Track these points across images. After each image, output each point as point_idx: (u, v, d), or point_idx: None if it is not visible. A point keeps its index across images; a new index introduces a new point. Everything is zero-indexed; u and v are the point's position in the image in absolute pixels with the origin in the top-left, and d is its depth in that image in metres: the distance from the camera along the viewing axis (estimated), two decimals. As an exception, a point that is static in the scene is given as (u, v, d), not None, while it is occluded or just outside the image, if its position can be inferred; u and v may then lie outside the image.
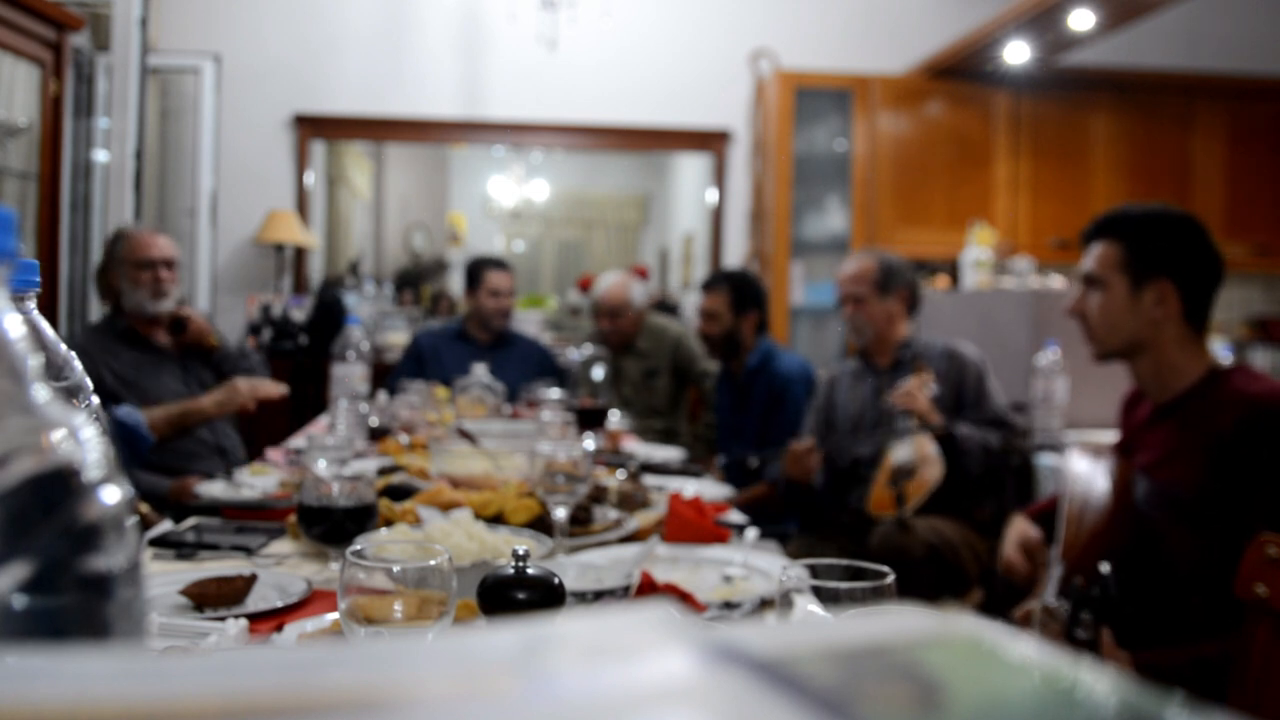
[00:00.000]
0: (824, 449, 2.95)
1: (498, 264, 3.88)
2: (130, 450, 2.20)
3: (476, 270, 3.85)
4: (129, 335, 2.84)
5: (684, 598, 1.22)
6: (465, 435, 2.21)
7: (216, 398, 2.67)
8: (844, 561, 0.84)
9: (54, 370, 0.63)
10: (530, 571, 0.97)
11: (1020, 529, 2.08)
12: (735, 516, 1.90)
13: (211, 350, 2.91)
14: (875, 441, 2.80)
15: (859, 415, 2.89)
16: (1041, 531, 2.05)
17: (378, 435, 2.61)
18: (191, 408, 2.65)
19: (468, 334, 3.86)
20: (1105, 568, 1.65)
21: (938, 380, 2.70)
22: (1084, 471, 1.94)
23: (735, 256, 5.35)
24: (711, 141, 5.33)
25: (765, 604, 1.29)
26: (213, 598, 1.23)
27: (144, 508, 1.97)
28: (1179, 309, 1.80)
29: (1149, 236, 1.83)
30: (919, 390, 2.61)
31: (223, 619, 1.12)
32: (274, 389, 2.72)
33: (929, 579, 2.47)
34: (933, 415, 2.61)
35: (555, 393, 2.96)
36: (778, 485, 3.02)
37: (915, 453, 2.55)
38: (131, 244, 2.83)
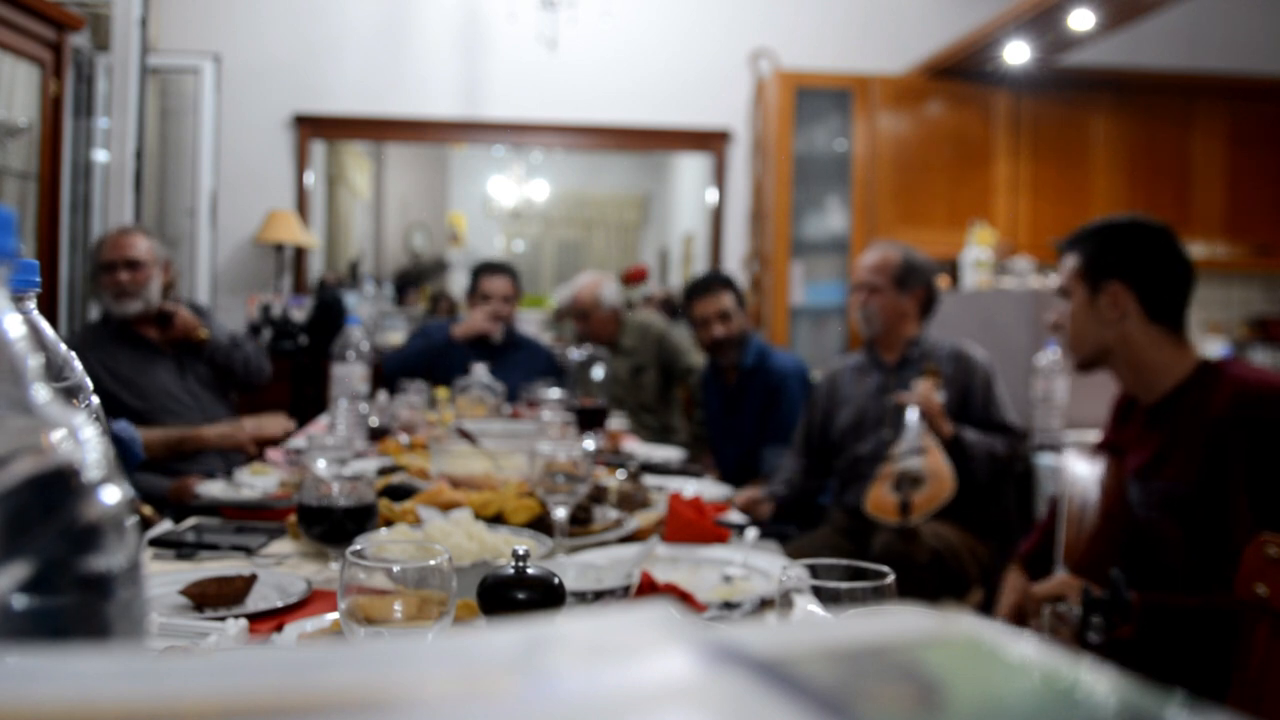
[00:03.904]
0: (823, 447, 2.94)
1: (495, 268, 3.79)
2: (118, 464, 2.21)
3: (475, 277, 3.79)
4: (122, 333, 2.85)
5: (684, 598, 1.22)
6: (465, 435, 2.21)
7: (220, 430, 2.69)
8: (844, 561, 0.84)
9: (54, 370, 0.63)
10: (530, 571, 0.97)
11: (1015, 591, 2.07)
12: (735, 516, 1.90)
13: (202, 343, 2.91)
14: (878, 439, 2.77)
15: (862, 411, 2.85)
16: (1031, 586, 2.06)
17: (378, 435, 2.61)
18: (191, 435, 2.67)
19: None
20: (1116, 573, 1.64)
21: (945, 382, 2.67)
22: (1084, 474, 1.95)
23: (735, 256, 5.35)
24: (711, 141, 5.33)
25: (765, 604, 1.29)
26: (213, 598, 1.23)
27: (145, 508, 1.97)
28: (1137, 309, 1.83)
29: (1100, 243, 1.89)
30: (932, 393, 2.58)
31: (223, 619, 1.12)
32: (277, 429, 2.72)
33: (932, 584, 2.46)
34: (943, 422, 2.58)
35: (555, 393, 2.96)
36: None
37: (926, 463, 2.51)
38: (101, 245, 2.84)
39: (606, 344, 3.91)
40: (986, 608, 2.56)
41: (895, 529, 2.50)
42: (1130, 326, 1.84)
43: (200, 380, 2.94)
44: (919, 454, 2.51)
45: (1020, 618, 2.00)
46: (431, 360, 3.73)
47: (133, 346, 2.85)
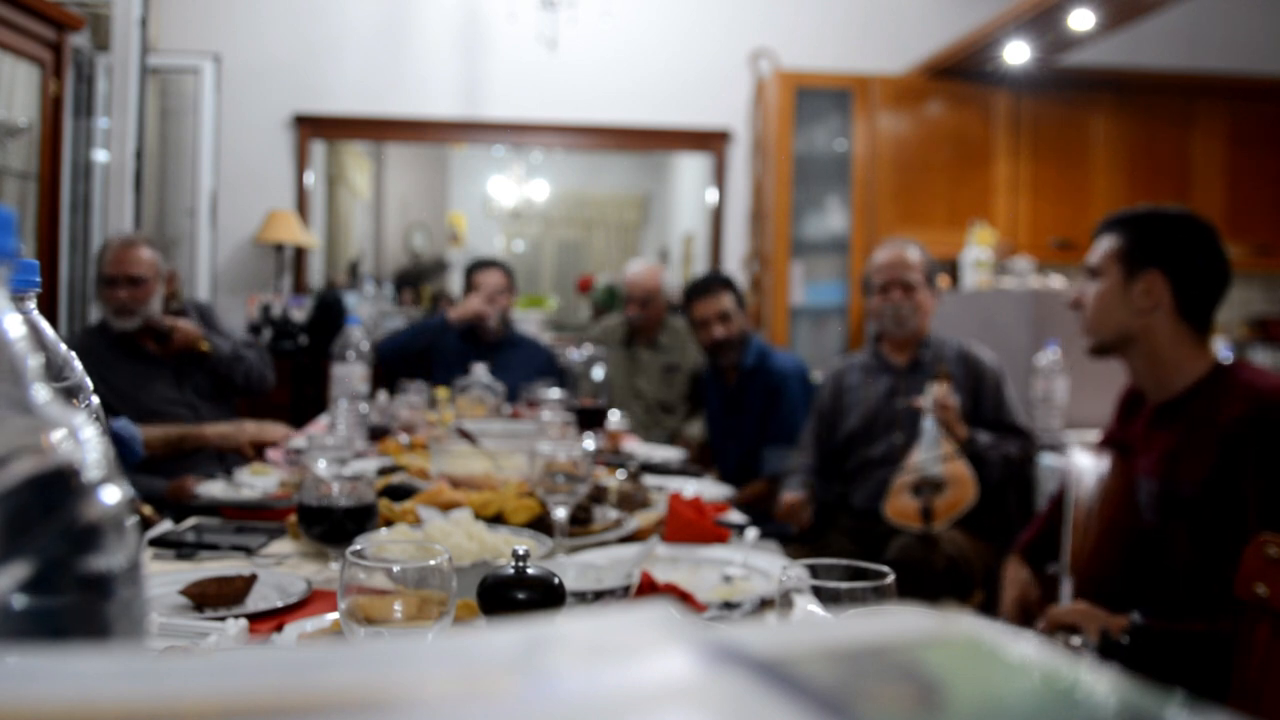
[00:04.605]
0: (830, 448, 2.92)
1: (489, 264, 3.88)
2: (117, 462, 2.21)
3: (469, 274, 3.88)
4: (122, 342, 2.82)
5: (684, 598, 1.22)
6: (465, 435, 2.21)
7: (221, 430, 2.66)
8: (844, 561, 0.84)
9: (54, 370, 0.64)
10: (530, 571, 0.97)
11: (1017, 584, 2.06)
12: (735, 516, 1.90)
13: (205, 356, 2.89)
14: (889, 443, 2.75)
15: (872, 414, 2.82)
16: (1036, 579, 2.05)
17: (378, 435, 2.60)
18: (191, 433, 2.65)
19: (472, 333, 3.85)
20: (1136, 617, 1.63)
21: (954, 385, 2.63)
22: (1089, 475, 1.94)
23: (735, 256, 5.35)
24: (711, 141, 5.33)
25: (765, 604, 1.29)
26: (213, 598, 1.23)
27: (145, 508, 1.97)
28: (1170, 303, 1.81)
29: (1146, 229, 1.85)
30: (948, 398, 2.53)
31: (223, 619, 1.12)
32: (278, 435, 2.71)
33: (948, 590, 2.45)
34: (959, 427, 2.56)
35: (555, 393, 2.96)
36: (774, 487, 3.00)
37: (947, 469, 2.48)
38: (104, 257, 2.80)
39: (645, 335, 3.93)
40: (988, 608, 2.56)
41: (917, 535, 2.48)
42: (1158, 319, 1.81)
43: (199, 390, 2.91)
44: (939, 459, 2.49)
45: (1025, 613, 2.00)
46: (427, 345, 3.78)
47: (130, 357, 2.82)
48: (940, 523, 2.46)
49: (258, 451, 2.67)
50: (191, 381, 2.90)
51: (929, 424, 2.52)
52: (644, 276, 3.92)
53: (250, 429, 2.68)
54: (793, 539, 2.80)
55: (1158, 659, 1.61)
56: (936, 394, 2.53)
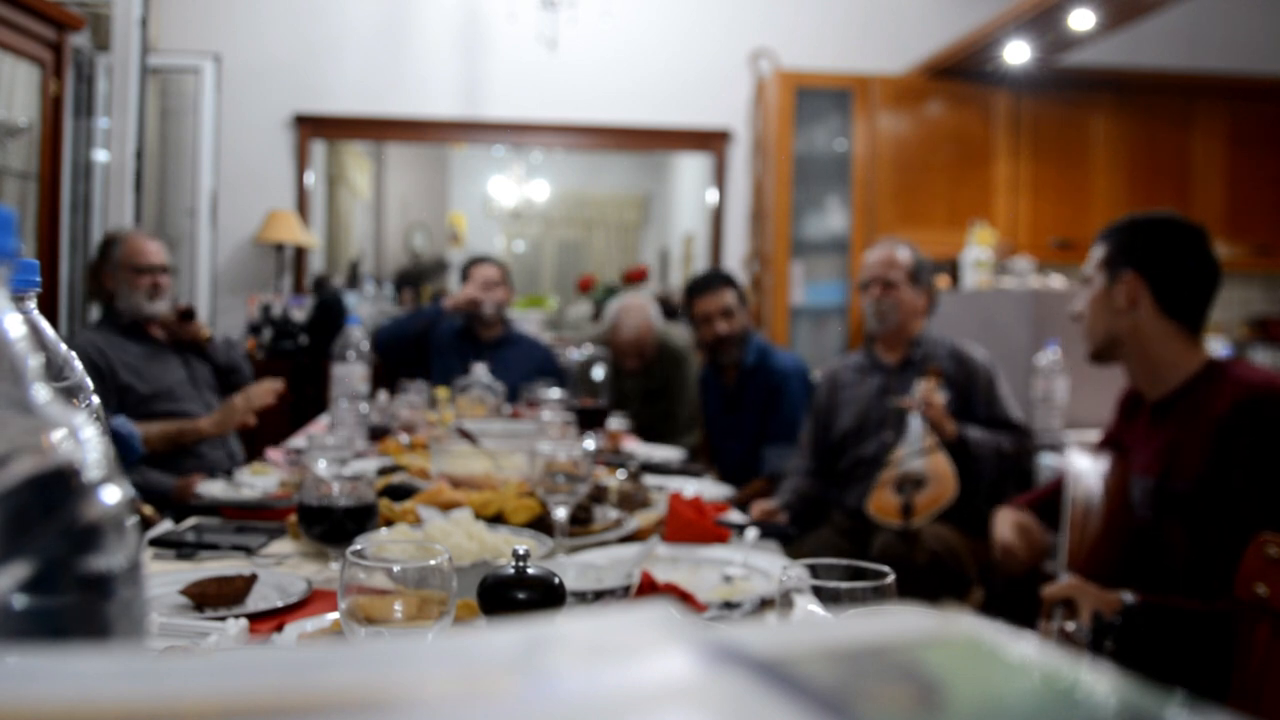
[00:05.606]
0: (824, 447, 2.93)
1: (483, 259, 3.95)
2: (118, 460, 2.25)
3: (466, 269, 3.93)
4: (131, 331, 2.92)
5: (684, 598, 1.22)
6: (465, 435, 2.21)
7: (214, 419, 2.76)
8: (844, 561, 0.84)
9: (54, 370, 0.63)
10: (530, 571, 0.97)
11: (1010, 516, 2.10)
12: (735, 516, 1.90)
13: (206, 342, 3.02)
14: (880, 441, 2.76)
15: (864, 413, 2.83)
16: (1034, 516, 2.08)
17: (378, 435, 2.61)
18: (188, 427, 2.74)
19: (470, 330, 3.85)
20: (1128, 597, 1.63)
21: (945, 382, 2.66)
22: (1086, 474, 1.95)
23: (735, 256, 5.35)
24: (711, 141, 5.33)
25: (765, 604, 1.29)
26: (213, 598, 1.23)
27: (145, 508, 1.97)
28: (1150, 301, 1.84)
29: (1126, 235, 1.89)
30: (933, 395, 2.56)
31: (223, 619, 1.12)
32: (268, 393, 2.77)
33: (931, 586, 2.45)
34: (947, 424, 2.57)
35: (555, 393, 2.96)
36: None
37: (929, 465, 2.50)
38: (128, 249, 2.91)
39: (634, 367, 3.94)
40: (987, 608, 2.56)
41: (897, 531, 2.50)
42: (1142, 318, 1.84)
43: (203, 379, 3.02)
44: (922, 456, 2.50)
45: (1022, 541, 2.03)
46: (423, 329, 3.82)
47: (140, 344, 2.92)
48: (920, 518, 2.48)
49: (258, 418, 2.72)
50: (198, 369, 3.02)
51: (915, 421, 2.53)
52: (638, 333, 3.87)
53: (239, 403, 2.74)
54: (789, 536, 2.80)
55: (1152, 639, 1.61)
56: (923, 391, 2.55)
